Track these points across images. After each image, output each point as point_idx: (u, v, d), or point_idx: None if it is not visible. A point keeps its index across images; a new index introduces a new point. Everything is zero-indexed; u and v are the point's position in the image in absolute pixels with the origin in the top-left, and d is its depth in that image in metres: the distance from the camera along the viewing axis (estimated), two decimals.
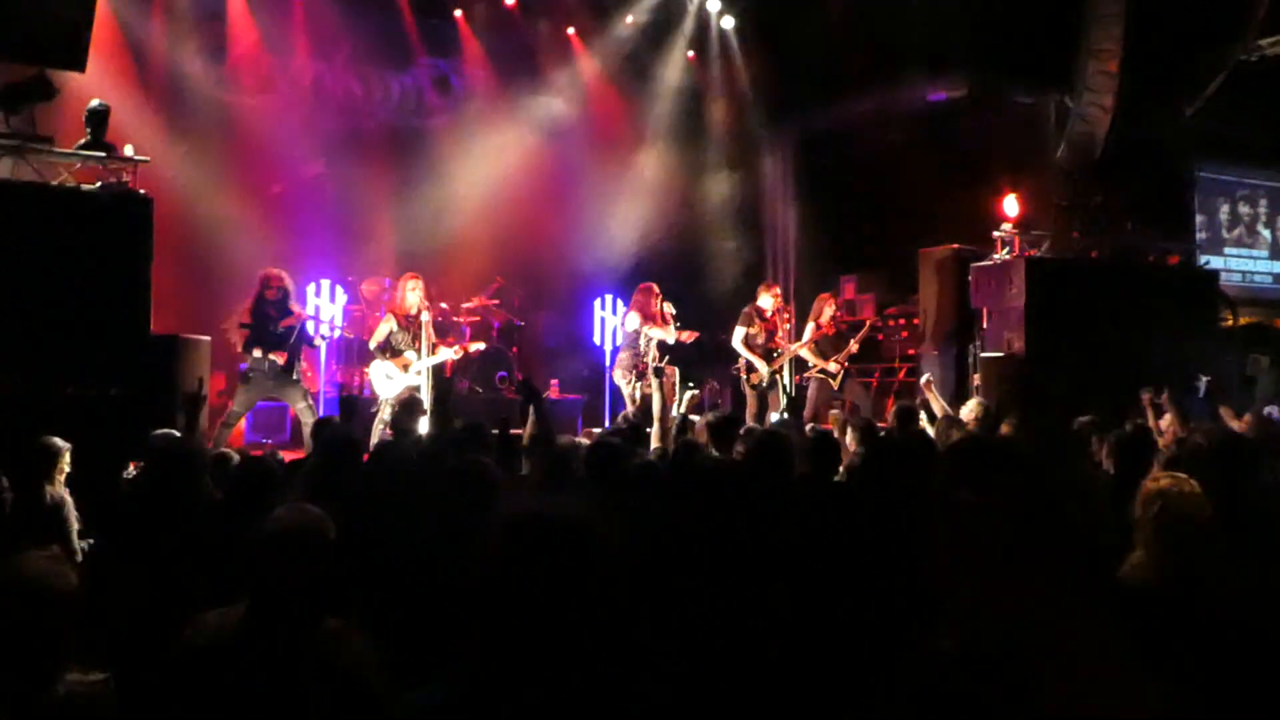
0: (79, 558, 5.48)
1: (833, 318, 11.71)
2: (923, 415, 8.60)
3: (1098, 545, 3.69)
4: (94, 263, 8.22)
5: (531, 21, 14.89)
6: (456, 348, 10.93)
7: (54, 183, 8.43)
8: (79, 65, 8.52)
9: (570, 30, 15.13)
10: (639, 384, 10.88)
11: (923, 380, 9.74)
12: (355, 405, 8.49)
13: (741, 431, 7.29)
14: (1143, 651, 2.97)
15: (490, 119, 14.67)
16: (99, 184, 8.57)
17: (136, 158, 8.73)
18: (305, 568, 3.07)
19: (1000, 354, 11.25)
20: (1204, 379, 9.46)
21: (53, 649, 2.71)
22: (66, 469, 5.90)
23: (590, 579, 2.26)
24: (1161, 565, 3.58)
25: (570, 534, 2.30)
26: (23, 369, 7.88)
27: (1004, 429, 7.73)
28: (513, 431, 6.55)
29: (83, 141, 8.59)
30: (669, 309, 11.09)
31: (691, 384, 11.06)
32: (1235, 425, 7.05)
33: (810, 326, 11.73)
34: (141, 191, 8.63)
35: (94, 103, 8.74)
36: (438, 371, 10.52)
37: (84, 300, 8.11)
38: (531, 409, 5.74)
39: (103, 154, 8.59)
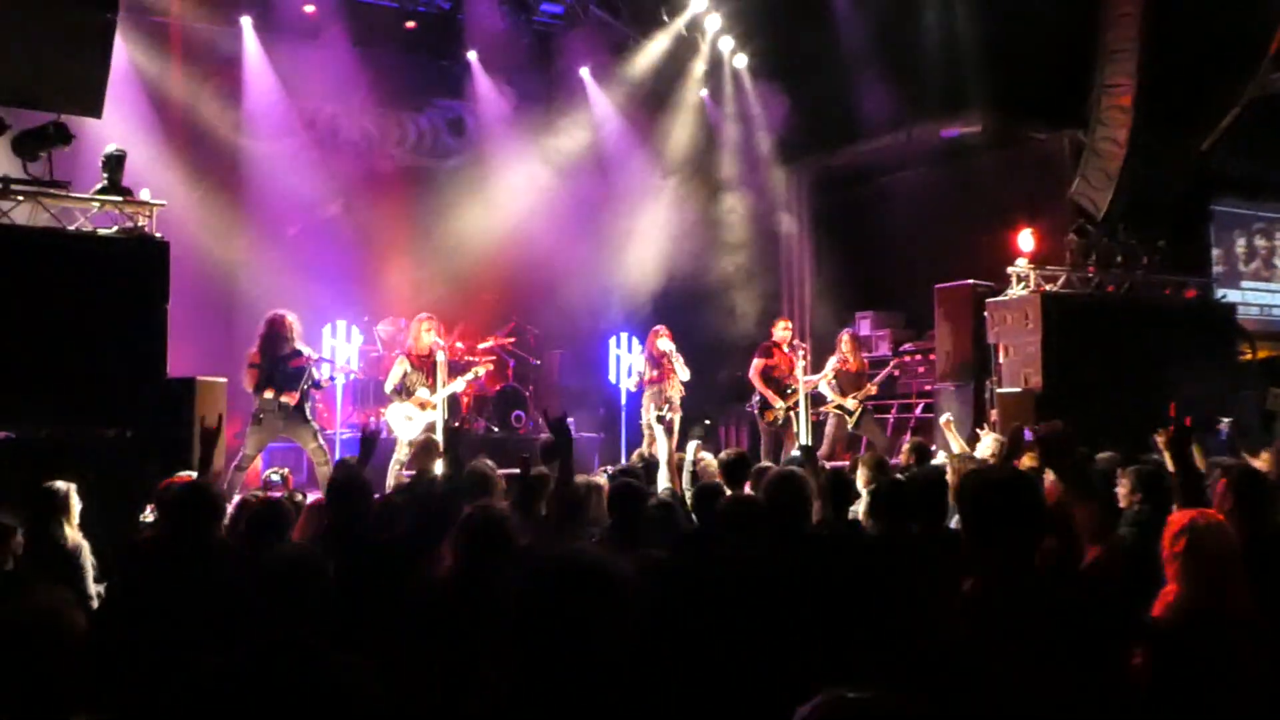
0: (94, 603, 5.47)
1: (854, 353, 11.71)
2: (942, 455, 8.55)
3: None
4: (111, 306, 8.23)
5: (546, 62, 14.97)
6: (470, 374, 10.94)
7: (71, 227, 8.47)
8: (96, 112, 8.58)
9: (584, 70, 15.21)
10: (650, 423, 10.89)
11: (943, 420, 9.70)
12: (375, 440, 8.48)
13: (754, 469, 7.27)
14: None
15: (505, 159, 14.74)
16: (116, 228, 8.61)
17: (153, 201, 8.78)
18: (300, 604, 3.08)
19: (1017, 390, 11.19)
20: (1226, 420, 9.38)
21: (60, 692, 2.70)
22: (75, 511, 5.89)
23: (614, 621, 2.26)
24: (1193, 598, 3.55)
25: (595, 578, 2.31)
26: (40, 412, 7.91)
27: (1027, 462, 7.69)
28: (533, 471, 6.53)
29: (99, 186, 8.64)
30: (664, 345, 11.07)
31: (702, 430, 11.02)
32: (1257, 464, 6.97)
33: (832, 360, 11.73)
34: (158, 235, 8.67)
35: (110, 148, 8.80)
36: (452, 417, 10.52)
37: (101, 343, 8.12)
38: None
39: (119, 198, 8.64)
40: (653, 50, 15.01)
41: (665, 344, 11.13)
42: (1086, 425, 9.99)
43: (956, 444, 9.49)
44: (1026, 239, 11.65)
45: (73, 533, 5.81)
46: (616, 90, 15.21)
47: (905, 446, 8.52)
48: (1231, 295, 14.45)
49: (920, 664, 2.94)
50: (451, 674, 3.65)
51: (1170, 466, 4.51)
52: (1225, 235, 15.84)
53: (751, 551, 4.36)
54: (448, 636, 3.79)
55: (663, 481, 8.54)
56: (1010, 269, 11.61)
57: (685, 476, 7.79)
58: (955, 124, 13.77)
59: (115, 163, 8.69)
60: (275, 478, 9.57)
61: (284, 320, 9.61)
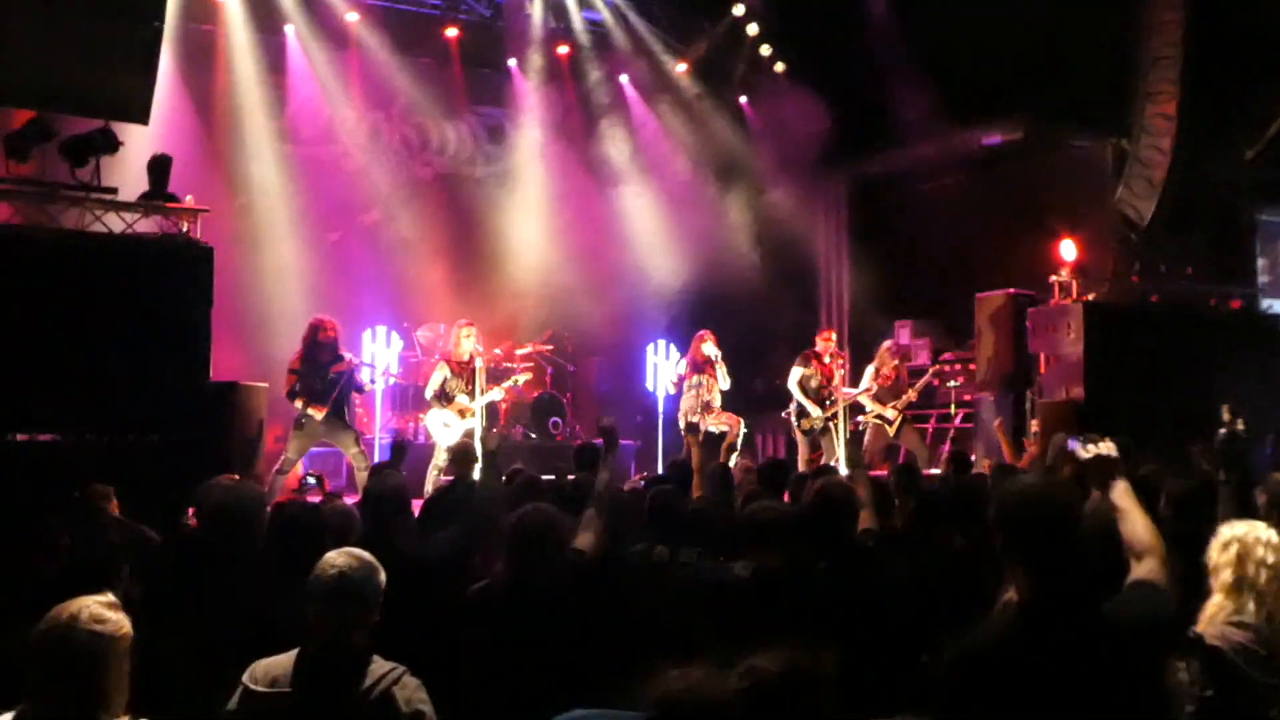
0: (135, 605, 5.52)
1: (894, 369, 11.67)
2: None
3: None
4: (155, 311, 8.32)
5: (584, 69, 15.01)
6: (509, 382, 11.00)
7: (117, 232, 8.58)
8: (143, 119, 8.68)
9: (623, 77, 15.24)
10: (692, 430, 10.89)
11: (995, 423, 9.70)
12: (405, 449, 8.53)
13: (793, 478, 7.24)
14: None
15: (544, 166, 14.78)
16: (161, 234, 8.71)
17: (197, 208, 8.87)
18: (356, 612, 3.10)
19: (1059, 400, 11.10)
20: (1271, 436, 9.28)
21: (105, 695, 2.73)
22: (116, 514, 5.96)
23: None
24: (1242, 610, 3.52)
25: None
26: (84, 416, 8.00)
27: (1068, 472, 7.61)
28: (569, 478, 6.54)
29: (145, 192, 8.74)
30: (708, 350, 11.06)
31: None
32: None
33: (869, 372, 11.68)
34: (202, 241, 8.76)
35: (156, 154, 8.90)
36: (490, 424, 10.58)
37: (145, 348, 8.21)
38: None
39: (165, 204, 8.74)
40: (692, 57, 15.01)
41: (710, 349, 11.11)
42: (1130, 436, 9.99)
43: (1006, 450, 9.46)
44: (1069, 248, 11.55)
45: (114, 535, 5.87)
46: (655, 97, 15.23)
47: (944, 456, 8.49)
48: (1278, 305, 14.27)
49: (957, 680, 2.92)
50: (502, 678, 3.66)
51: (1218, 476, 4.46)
52: (1271, 245, 15.61)
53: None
54: (498, 640, 3.79)
55: (695, 490, 8.53)
56: (1052, 278, 11.51)
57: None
58: (995, 131, 13.68)
59: (161, 169, 8.79)
60: (311, 480, 9.65)
61: (325, 325, 9.70)
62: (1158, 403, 10.60)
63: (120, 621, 2.82)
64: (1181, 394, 10.74)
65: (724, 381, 11.08)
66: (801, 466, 10.80)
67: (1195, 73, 11.05)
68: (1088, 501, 3.59)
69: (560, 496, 5.91)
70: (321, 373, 9.56)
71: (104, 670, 2.72)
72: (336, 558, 3.19)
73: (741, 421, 11.10)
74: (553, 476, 6.11)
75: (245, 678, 3.11)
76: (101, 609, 2.80)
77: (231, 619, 3.80)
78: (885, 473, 9.46)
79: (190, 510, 6.23)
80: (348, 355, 9.81)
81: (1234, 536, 3.69)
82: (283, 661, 3.13)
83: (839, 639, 3.47)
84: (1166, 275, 11.88)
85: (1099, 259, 12.02)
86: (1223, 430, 5.32)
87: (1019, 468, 7.81)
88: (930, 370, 12.65)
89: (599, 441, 5.45)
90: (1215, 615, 3.61)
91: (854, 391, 11.69)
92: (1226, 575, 3.64)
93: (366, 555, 3.23)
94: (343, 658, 3.10)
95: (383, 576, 3.21)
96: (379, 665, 3.12)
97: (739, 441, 11.00)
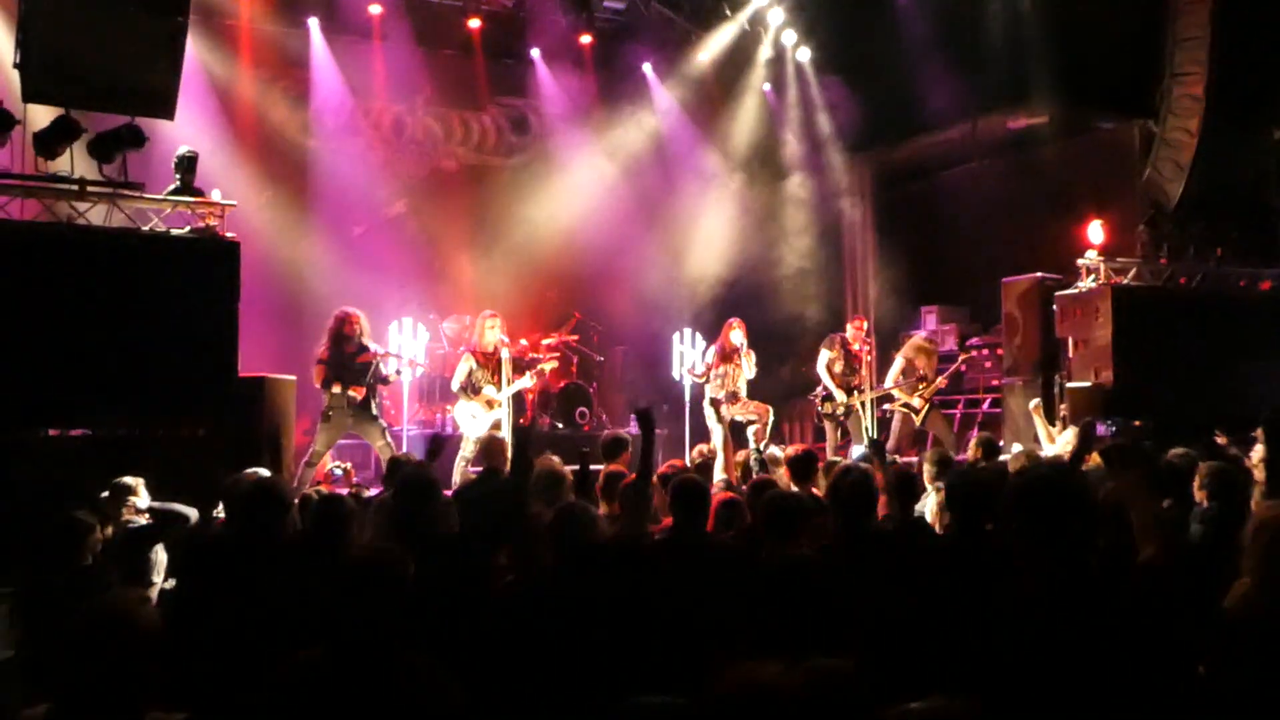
0: (166, 598, 5.57)
1: (930, 369, 11.59)
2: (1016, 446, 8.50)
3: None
4: (183, 305, 8.40)
5: (608, 59, 14.99)
6: (533, 372, 11.03)
7: (145, 228, 8.64)
8: (168, 114, 8.73)
9: (646, 67, 15.21)
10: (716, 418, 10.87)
11: (1032, 405, 9.68)
12: (442, 445, 8.54)
13: (821, 465, 7.23)
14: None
15: (568, 156, 14.79)
16: (188, 229, 8.77)
17: (224, 202, 8.92)
18: (381, 604, 3.11)
19: (1087, 384, 11.04)
20: None
21: (134, 687, 2.75)
22: (145, 505, 6.01)
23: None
24: (1272, 593, 3.50)
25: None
26: (114, 410, 8.07)
27: (1097, 459, 7.58)
28: (607, 469, 6.55)
29: (172, 187, 8.80)
30: (735, 339, 11.01)
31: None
32: None
33: (899, 362, 11.63)
34: (229, 235, 8.81)
35: (183, 149, 8.96)
36: (517, 414, 10.60)
37: (174, 342, 8.29)
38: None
39: (191, 199, 8.79)
40: (715, 45, 14.97)
41: (738, 337, 11.05)
42: (1159, 420, 9.93)
43: (1044, 431, 9.43)
44: (1096, 231, 11.47)
45: (144, 527, 5.92)
46: (679, 86, 15.19)
47: (972, 442, 8.45)
48: None
49: (982, 665, 2.92)
50: (538, 670, 3.67)
51: (1258, 458, 4.43)
52: None
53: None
54: (537, 633, 3.80)
55: (718, 473, 8.53)
56: (1080, 261, 11.44)
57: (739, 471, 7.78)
58: (1021, 115, 13.59)
59: (187, 164, 8.85)
60: (338, 471, 9.71)
61: (351, 318, 9.75)
62: (1188, 385, 10.55)
63: (150, 614, 2.85)
64: (1211, 376, 10.68)
65: (749, 370, 11.03)
66: (829, 453, 10.79)
67: (1223, 53, 10.93)
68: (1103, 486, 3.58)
69: (585, 486, 5.93)
70: (348, 362, 9.62)
71: (135, 663, 2.75)
72: (362, 550, 3.21)
73: (770, 410, 11.07)
74: (576, 467, 6.07)
75: (279, 670, 3.13)
76: (131, 602, 2.83)
77: (261, 610, 3.83)
78: (913, 459, 9.47)
79: (220, 503, 6.30)
80: (373, 346, 9.85)
81: (1266, 519, 3.65)
82: (312, 654, 3.14)
83: (861, 624, 3.49)
84: (1195, 257, 11.80)
85: (1127, 242, 11.94)
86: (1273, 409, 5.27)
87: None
88: (960, 359, 12.57)
89: (629, 431, 5.44)
90: (1242, 593, 3.60)
91: (885, 388, 11.63)
92: (1258, 558, 3.62)
93: (393, 547, 3.25)
94: (371, 648, 3.11)
95: (410, 566, 3.23)
96: (405, 655, 3.13)
97: (768, 430, 10.98)
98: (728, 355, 11.03)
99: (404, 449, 10.74)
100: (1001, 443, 11.89)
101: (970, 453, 8.02)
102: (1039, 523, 2.95)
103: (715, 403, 10.88)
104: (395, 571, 3.19)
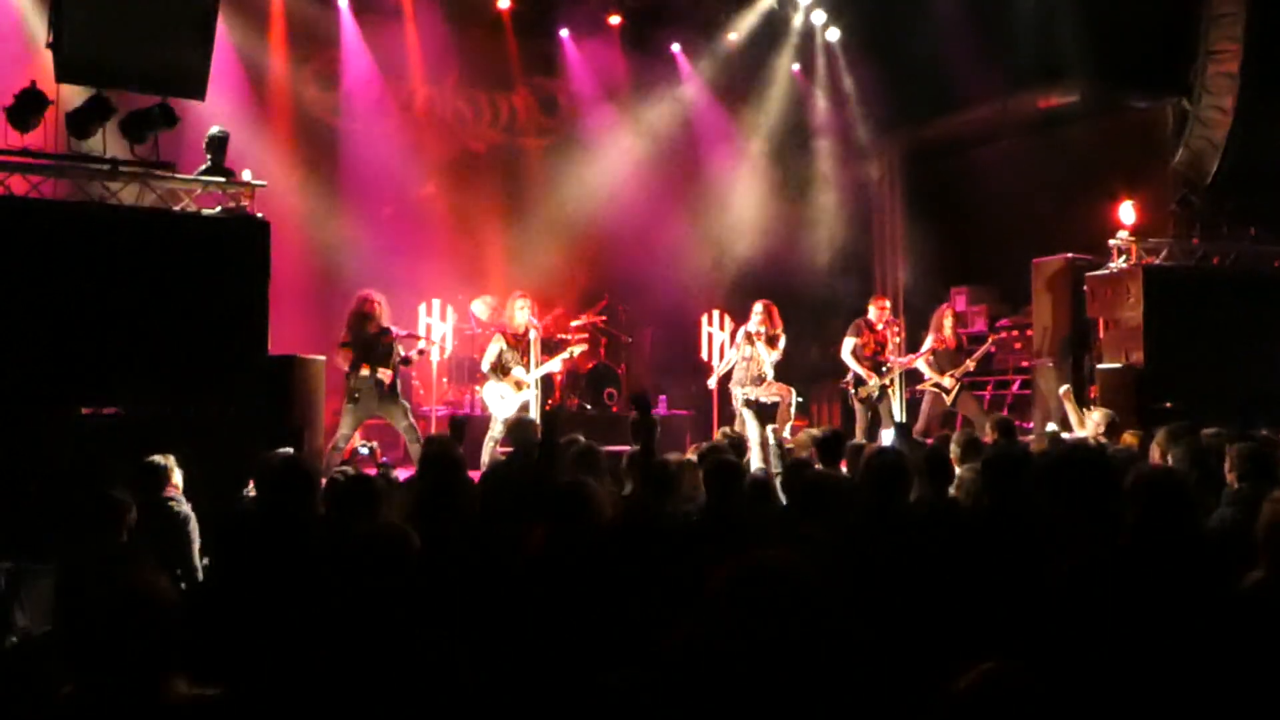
0: (199, 575, 5.63)
1: (953, 329, 11.57)
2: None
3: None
4: (214, 285, 8.44)
5: (636, 39, 14.95)
6: (565, 354, 11.06)
7: (176, 208, 8.69)
8: (199, 94, 8.77)
9: (675, 46, 15.18)
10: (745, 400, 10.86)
11: (1062, 390, 9.68)
12: (464, 428, 8.58)
13: (850, 446, 7.24)
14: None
15: (597, 137, 14.78)
16: (219, 209, 8.82)
17: (255, 182, 8.96)
18: (383, 579, 3.14)
19: (1118, 365, 10.97)
20: None
21: (160, 661, 2.80)
22: (179, 484, 6.08)
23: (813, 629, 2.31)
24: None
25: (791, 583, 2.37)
26: (146, 389, 8.14)
27: (1128, 439, 7.56)
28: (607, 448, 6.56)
29: (203, 167, 8.84)
30: (754, 327, 10.97)
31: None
32: None
33: (930, 338, 11.60)
34: (259, 215, 8.86)
35: (214, 129, 9.00)
36: (545, 396, 10.63)
37: (205, 322, 8.34)
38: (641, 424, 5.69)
39: (222, 179, 8.84)
40: (744, 25, 14.91)
41: (758, 321, 11.02)
42: (1191, 401, 9.87)
43: (1074, 416, 9.42)
44: (1128, 211, 11.38)
45: (178, 505, 5.99)
46: (708, 66, 15.15)
47: (989, 424, 8.43)
48: None
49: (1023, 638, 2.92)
50: (537, 650, 3.69)
51: None
52: None
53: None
54: (535, 612, 3.83)
55: (755, 461, 8.52)
56: (1111, 241, 11.36)
57: (772, 455, 7.78)
58: (1053, 94, 13.48)
59: (218, 144, 8.89)
60: (364, 450, 9.76)
61: (371, 299, 9.77)
62: (1220, 366, 10.47)
63: (166, 587, 2.90)
64: (1244, 357, 10.60)
65: (774, 354, 10.96)
66: (859, 436, 10.78)
67: (1258, 30, 10.80)
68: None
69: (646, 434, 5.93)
70: (373, 345, 9.65)
71: (156, 635, 2.80)
72: (364, 529, 3.24)
73: (793, 391, 11.05)
74: (611, 448, 6.11)
75: (293, 646, 3.16)
76: (146, 576, 2.88)
77: (285, 589, 3.86)
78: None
79: (252, 482, 6.37)
80: (393, 328, 9.88)
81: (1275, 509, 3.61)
82: (328, 632, 3.18)
83: (895, 602, 3.50)
84: (1229, 237, 11.68)
85: (1159, 221, 11.84)
86: None
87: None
88: (989, 340, 12.51)
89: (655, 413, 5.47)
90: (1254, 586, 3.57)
91: (910, 357, 11.62)
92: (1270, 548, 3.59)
93: (395, 525, 3.27)
94: (380, 627, 3.14)
95: (416, 543, 3.25)
96: (415, 634, 3.15)
97: (792, 411, 10.97)
98: (752, 339, 11.01)
99: (432, 429, 10.80)
100: (1032, 424, 11.88)
101: (989, 435, 7.99)
102: (1066, 498, 2.95)
103: (748, 400, 10.87)
104: (395, 547, 3.21)
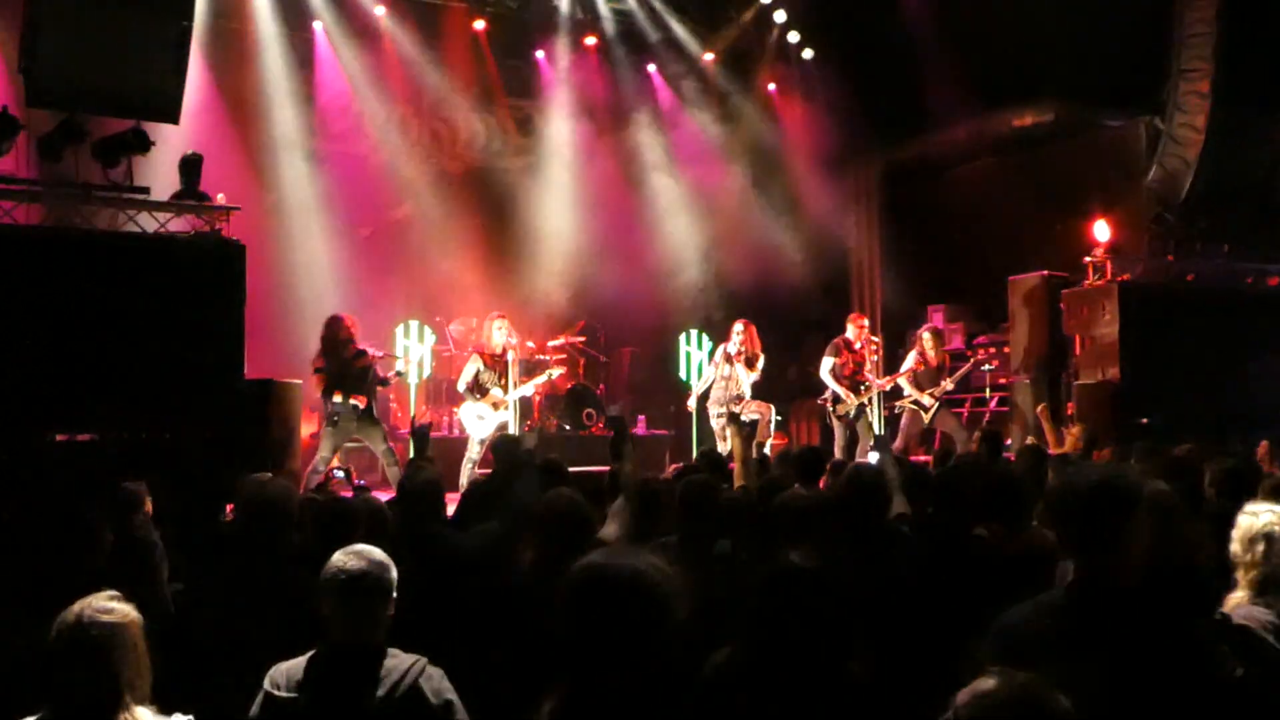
0: (168, 603, 5.56)
1: (935, 348, 11.58)
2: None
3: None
4: (189, 309, 8.40)
5: (612, 60, 14.97)
6: (543, 376, 11.02)
7: (150, 232, 8.65)
8: (173, 118, 8.74)
9: (651, 67, 15.21)
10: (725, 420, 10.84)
11: (1038, 408, 9.70)
12: (427, 435, 8.57)
13: (829, 465, 7.22)
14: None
15: (573, 158, 14.77)
16: (193, 232, 8.78)
17: (229, 206, 8.93)
18: (368, 609, 3.11)
19: (1095, 381, 11.01)
20: None
21: (124, 684, 2.78)
22: (149, 511, 6.01)
23: (657, 630, 2.27)
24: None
25: (635, 587, 2.33)
26: (121, 414, 8.07)
27: (1101, 455, 7.59)
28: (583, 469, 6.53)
29: (177, 191, 8.81)
30: (734, 348, 10.98)
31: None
32: None
33: (911, 356, 11.61)
34: (235, 239, 8.82)
35: (188, 153, 8.97)
36: (523, 416, 10.60)
37: (179, 345, 8.29)
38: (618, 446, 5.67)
39: (197, 203, 8.80)
40: (720, 45, 14.96)
41: (737, 342, 11.04)
42: (1167, 416, 9.93)
43: (1050, 433, 9.45)
44: (1102, 229, 11.46)
45: (147, 531, 5.92)
46: (683, 86, 15.19)
47: (976, 436, 8.44)
48: None
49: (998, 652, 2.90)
50: (526, 671, 3.66)
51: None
52: None
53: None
54: (525, 632, 3.79)
55: (737, 480, 8.49)
56: (1086, 259, 11.43)
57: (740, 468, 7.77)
58: (1027, 113, 13.57)
59: (192, 168, 8.86)
60: (339, 473, 9.68)
61: (344, 320, 9.69)
62: (1195, 382, 10.54)
63: (126, 610, 2.88)
64: (1219, 373, 10.67)
65: (752, 374, 10.98)
66: (838, 454, 10.77)
67: (1229, 49, 10.92)
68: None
69: (593, 489, 5.91)
70: (347, 367, 9.56)
71: (119, 659, 2.78)
72: (344, 557, 3.20)
73: (772, 408, 11.05)
74: (588, 468, 6.08)
75: (266, 683, 3.12)
76: (105, 601, 2.85)
77: (267, 612, 3.83)
78: (923, 458, 9.45)
79: (230, 506, 6.30)
80: (369, 349, 9.81)
81: (1262, 529, 3.62)
82: (302, 663, 3.15)
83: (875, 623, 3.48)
84: (1202, 254, 11.76)
85: (1133, 239, 11.92)
86: None
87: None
88: (970, 360, 12.52)
89: (634, 432, 5.44)
90: (1240, 601, 3.57)
91: (895, 376, 11.63)
92: (1256, 570, 3.60)
93: (376, 552, 3.23)
94: (358, 655, 3.11)
95: (394, 573, 3.21)
96: (399, 659, 3.12)
97: (770, 429, 10.97)
98: (732, 358, 11.02)
99: (410, 452, 10.74)
100: (1009, 440, 11.91)
101: (974, 448, 8.00)
102: (1075, 524, 2.93)
103: (730, 414, 10.86)
104: (378, 578, 3.17)
